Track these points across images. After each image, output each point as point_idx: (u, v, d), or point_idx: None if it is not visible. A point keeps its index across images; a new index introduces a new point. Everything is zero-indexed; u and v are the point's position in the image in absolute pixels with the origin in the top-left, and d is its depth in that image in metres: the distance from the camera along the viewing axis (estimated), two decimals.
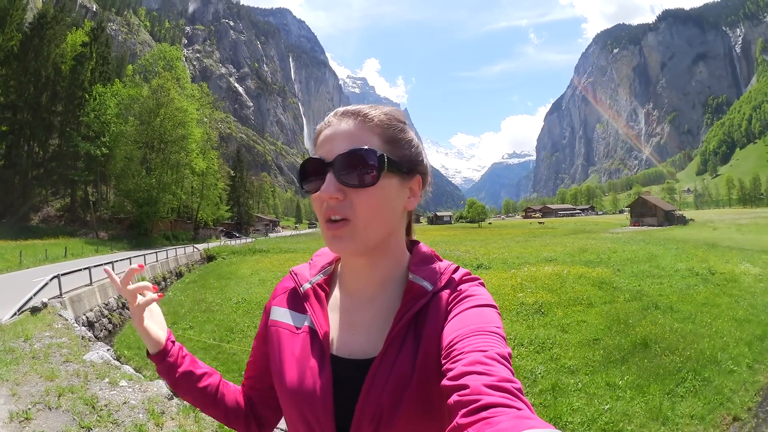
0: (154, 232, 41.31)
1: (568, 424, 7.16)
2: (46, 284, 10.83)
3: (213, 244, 38.11)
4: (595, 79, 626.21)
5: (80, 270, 13.66)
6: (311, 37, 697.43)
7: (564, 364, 9.19)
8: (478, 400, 0.55)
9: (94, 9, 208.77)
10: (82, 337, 9.05)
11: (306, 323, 0.88)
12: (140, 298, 0.95)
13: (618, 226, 60.39)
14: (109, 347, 11.62)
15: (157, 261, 22.76)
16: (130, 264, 18.41)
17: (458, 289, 0.82)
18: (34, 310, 9.34)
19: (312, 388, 0.79)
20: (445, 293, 0.82)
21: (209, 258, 29.66)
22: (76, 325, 10.12)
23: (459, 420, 0.54)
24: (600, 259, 20.90)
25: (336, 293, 0.93)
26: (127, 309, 15.91)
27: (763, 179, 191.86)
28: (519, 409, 0.53)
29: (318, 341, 0.84)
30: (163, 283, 21.59)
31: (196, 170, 45.47)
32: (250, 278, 20.23)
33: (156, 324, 0.99)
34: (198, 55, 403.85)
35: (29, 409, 4.97)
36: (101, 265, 16.13)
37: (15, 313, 8.99)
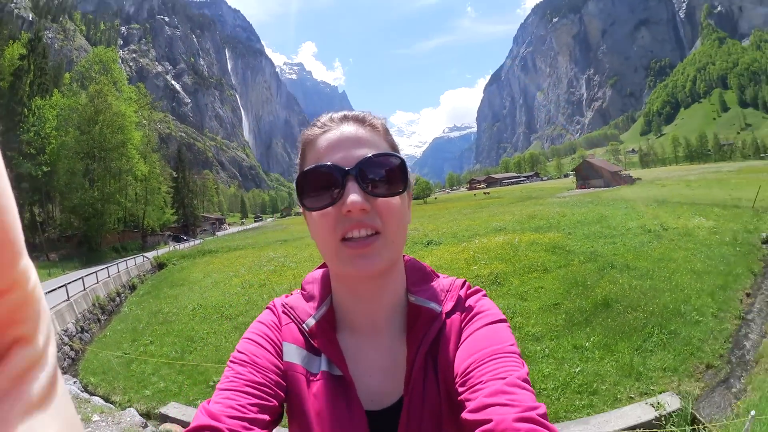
0: (103, 246, 39.97)
1: (542, 392, 7.11)
2: None
3: (162, 251, 36.79)
4: (535, 48, 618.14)
5: None
6: (246, 26, 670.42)
7: (528, 332, 9.18)
8: None
9: (30, 18, 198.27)
10: None
11: (323, 368, 0.76)
12: None
13: (564, 191, 59.08)
14: (75, 379, 10.74)
15: (109, 276, 21.67)
16: (83, 285, 17.18)
17: (467, 306, 0.77)
18: None
19: None
20: (457, 315, 0.76)
21: (160, 266, 28.83)
22: None
23: None
24: (550, 224, 20.75)
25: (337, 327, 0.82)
26: (87, 332, 15.04)
27: (710, 136, 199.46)
28: None
29: (343, 389, 0.74)
30: (117, 298, 20.59)
31: (138, 176, 44.28)
32: (202, 282, 19.80)
33: None
34: (134, 55, 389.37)
35: None
36: (54, 290, 14.98)
37: None
